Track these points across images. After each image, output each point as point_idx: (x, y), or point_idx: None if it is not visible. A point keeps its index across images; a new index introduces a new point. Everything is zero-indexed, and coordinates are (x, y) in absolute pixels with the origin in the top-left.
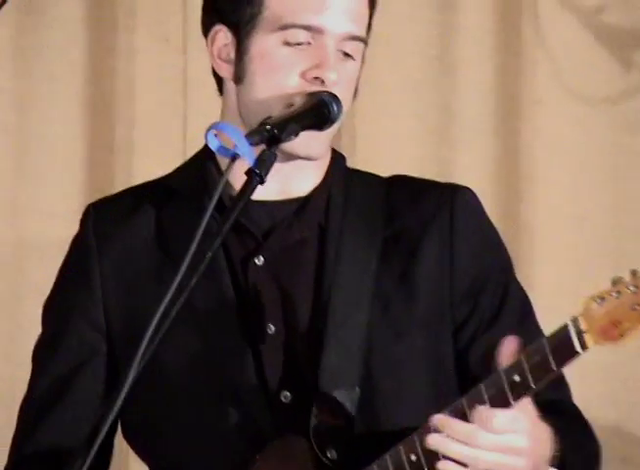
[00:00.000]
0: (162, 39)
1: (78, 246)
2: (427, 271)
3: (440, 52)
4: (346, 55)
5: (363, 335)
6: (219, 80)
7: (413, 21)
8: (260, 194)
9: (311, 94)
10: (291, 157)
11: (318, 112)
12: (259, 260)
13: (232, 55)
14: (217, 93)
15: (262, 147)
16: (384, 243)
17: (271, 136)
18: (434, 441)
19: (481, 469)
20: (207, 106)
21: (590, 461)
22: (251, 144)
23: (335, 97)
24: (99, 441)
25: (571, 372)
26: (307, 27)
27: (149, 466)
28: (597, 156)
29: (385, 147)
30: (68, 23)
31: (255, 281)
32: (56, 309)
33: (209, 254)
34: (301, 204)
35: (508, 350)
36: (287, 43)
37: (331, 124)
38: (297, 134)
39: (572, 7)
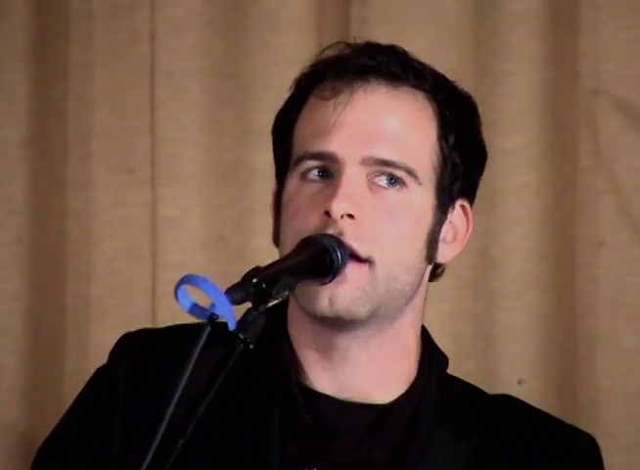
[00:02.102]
0: (126, 170)
1: (104, 385)
2: None
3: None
4: (379, 186)
5: None
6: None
7: None
8: (332, 389)
9: (307, 239)
10: (320, 321)
11: (316, 259)
12: None
13: (275, 207)
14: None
15: (248, 305)
16: None
17: (258, 292)
18: None
19: None
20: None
21: None
22: (234, 302)
23: (336, 240)
24: None
25: None
26: (317, 155)
27: None
28: None
29: None
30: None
31: None
32: (61, 460)
33: (181, 441)
34: (380, 414)
35: None
36: (303, 178)
37: (334, 276)
38: (292, 288)
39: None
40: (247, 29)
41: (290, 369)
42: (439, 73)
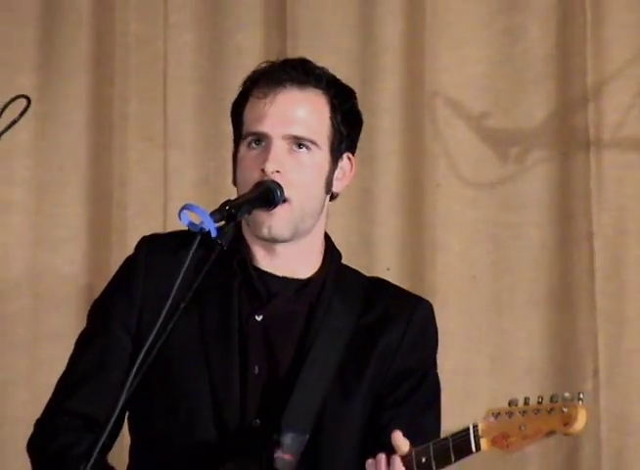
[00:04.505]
0: (147, 138)
1: (130, 266)
2: (379, 355)
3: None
4: (295, 152)
5: (321, 394)
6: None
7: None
8: (274, 269)
9: (259, 182)
10: (263, 239)
11: (264, 195)
12: (259, 317)
13: (233, 166)
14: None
15: (223, 223)
16: (355, 328)
17: (229, 214)
18: None
19: None
20: (183, 191)
21: None
22: (215, 221)
23: (277, 184)
24: (115, 415)
25: None
26: (255, 134)
27: (138, 451)
28: (483, 228)
29: None
30: (72, 125)
31: (252, 331)
32: (100, 310)
33: (181, 306)
34: (301, 284)
35: (397, 438)
36: (248, 147)
37: (275, 205)
38: (249, 213)
39: (463, 114)
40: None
41: (246, 257)
42: (331, 75)
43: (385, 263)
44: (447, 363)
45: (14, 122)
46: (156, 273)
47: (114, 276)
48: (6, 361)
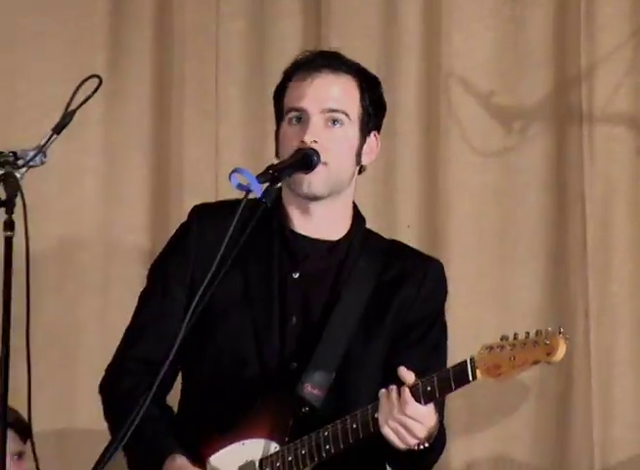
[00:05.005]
0: (201, 113)
1: (183, 231)
2: (397, 307)
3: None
4: (330, 125)
5: (347, 339)
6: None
7: None
8: (308, 231)
9: (299, 149)
10: (306, 197)
11: (304, 160)
12: (295, 274)
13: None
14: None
15: (267, 184)
16: (377, 284)
17: (273, 177)
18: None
19: (392, 426)
20: (233, 158)
21: (444, 436)
22: (260, 182)
23: (314, 151)
24: (171, 356)
25: None
26: (297, 109)
27: (188, 391)
28: (490, 189)
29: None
30: (140, 100)
31: (290, 287)
32: (158, 270)
33: (228, 261)
34: (332, 246)
35: (402, 371)
36: (289, 123)
37: (313, 167)
38: (290, 175)
39: (473, 92)
40: None
41: (285, 222)
42: (360, 65)
43: (405, 222)
44: (457, 303)
45: (87, 99)
46: (206, 236)
47: (169, 240)
48: (80, 304)
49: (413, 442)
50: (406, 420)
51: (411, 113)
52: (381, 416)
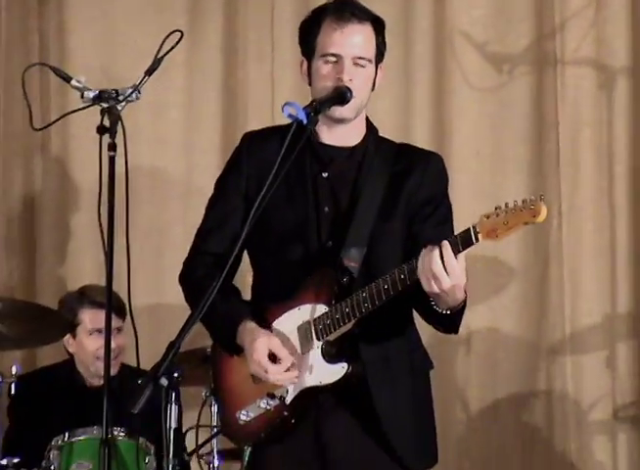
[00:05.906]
0: (259, 59)
1: (236, 152)
2: (408, 190)
3: (403, 68)
4: (359, 66)
5: (372, 220)
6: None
7: None
8: (332, 141)
9: (337, 87)
10: (336, 120)
11: (339, 95)
12: (325, 174)
13: (307, 71)
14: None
15: (311, 114)
16: (391, 176)
17: (316, 108)
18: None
19: (435, 269)
20: (287, 94)
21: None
22: (306, 113)
23: (348, 88)
24: (235, 252)
25: None
26: (332, 54)
27: (254, 273)
28: (485, 118)
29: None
30: (211, 50)
31: (321, 184)
32: (221, 182)
33: (281, 173)
34: (352, 150)
35: (428, 246)
36: (325, 61)
37: (347, 102)
38: (329, 108)
39: (471, 42)
40: None
41: (313, 136)
42: (372, 12)
43: (420, 144)
44: (458, 203)
45: (172, 48)
46: (255, 154)
47: (227, 160)
48: (167, 210)
49: (445, 286)
50: (439, 269)
51: (423, 58)
52: (420, 264)
